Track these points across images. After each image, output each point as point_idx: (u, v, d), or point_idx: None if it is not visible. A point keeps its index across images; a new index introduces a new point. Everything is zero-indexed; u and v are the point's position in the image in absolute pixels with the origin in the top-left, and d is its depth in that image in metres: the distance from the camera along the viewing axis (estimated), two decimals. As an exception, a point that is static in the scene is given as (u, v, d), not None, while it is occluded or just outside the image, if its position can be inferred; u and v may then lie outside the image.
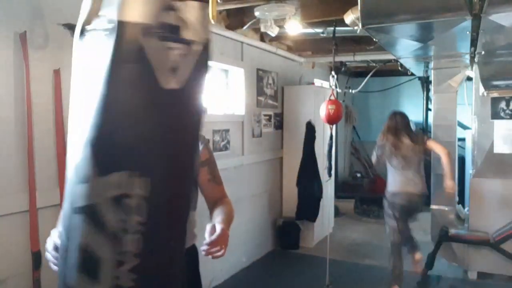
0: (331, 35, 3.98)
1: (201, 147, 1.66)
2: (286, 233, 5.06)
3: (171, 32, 0.88)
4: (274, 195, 5.17)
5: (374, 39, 2.94)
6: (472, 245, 4.10)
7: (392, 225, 3.73)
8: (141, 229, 0.90)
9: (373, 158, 3.96)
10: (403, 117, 3.84)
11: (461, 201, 5.25)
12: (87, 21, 0.91)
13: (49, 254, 1.26)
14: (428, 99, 6.97)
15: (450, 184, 3.60)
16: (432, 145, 3.73)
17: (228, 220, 1.56)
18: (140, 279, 0.93)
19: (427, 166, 3.96)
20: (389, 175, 3.81)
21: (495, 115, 4.10)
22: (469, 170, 4.79)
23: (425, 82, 6.89)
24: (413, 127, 4.02)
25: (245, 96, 4.44)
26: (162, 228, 0.94)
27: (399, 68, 5.32)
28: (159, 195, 0.91)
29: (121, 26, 0.86)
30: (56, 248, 1.20)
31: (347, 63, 6.31)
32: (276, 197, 5.24)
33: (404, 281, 4.14)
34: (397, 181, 3.70)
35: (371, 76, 5.47)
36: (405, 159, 3.67)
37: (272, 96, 5.03)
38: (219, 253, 1.38)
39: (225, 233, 1.41)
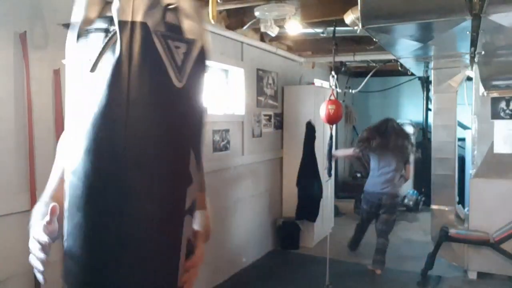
0: (331, 35, 3.98)
1: None
2: (286, 233, 5.06)
3: (173, 31, 0.91)
4: (274, 195, 5.17)
5: (374, 39, 2.94)
6: (472, 245, 4.10)
7: (362, 216, 4.63)
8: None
9: (353, 150, 4.61)
10: (396, 125, 4.39)
11: (461, 201, 5.25)
12: (86, 22, 0.92)
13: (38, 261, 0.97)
14: (428, 99, 6.98)
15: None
16: (407, 168, 4.40)
17: (204, 236, 1.22)
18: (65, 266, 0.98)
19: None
20: (370, 174, 4.44)
21: (495, 115, 4.10)
22: (469, 170, 4.79)
23: (425, 82, 6.91)
24: (411, 134, 4.78)
25: (245, 96, 4.44)
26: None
27: (399, 68, 5.32)
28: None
29: (131, 26, 0.88)
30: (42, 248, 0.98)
31: (347, 63, 6.32)
32: (276, 197, 5.24)
33: (404, 281, 4.16)
34: (375, 182, 4.34)
35: (371, 76, 5.47)
36: (387, 164, 4.28)
37: (272, 96, 5.03)
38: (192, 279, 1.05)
39: (202, 252, 1.10)
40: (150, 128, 0.92)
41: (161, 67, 0.90)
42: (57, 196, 1.27)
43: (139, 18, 0.88)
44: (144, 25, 0.88)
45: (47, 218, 1.01)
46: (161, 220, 0.95)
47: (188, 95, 0.95)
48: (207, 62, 1.00)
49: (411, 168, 4.39)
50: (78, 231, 0.94)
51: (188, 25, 0.92)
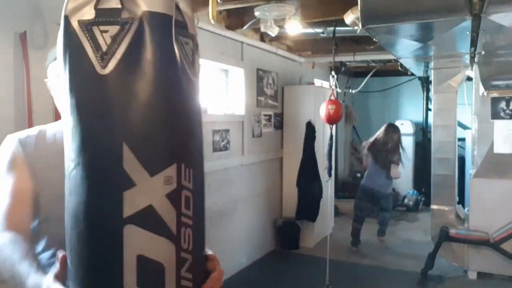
0: (331, 35, 3.98)
1: None
2: (286, 233, 5.06)
3: (104, 15, 0.85)
4: (274, 195, 5.17)
5: (374, 39, 2.94)
6: (472, 245, 4.10)
7: (357, 209, 5.10)
8: None
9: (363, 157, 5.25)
10: (395, 134, 4.87)
11: (461, 201, 5.25)
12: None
13: None
14: (428, 99, 6.98)
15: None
16: (392, 168, 4.84)
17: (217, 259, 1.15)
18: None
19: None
20: (367, 171, 5.05)
21: (495, 115, 4.10)
22: (469, 170, 4.79)
23: (425, 82, 6.91)
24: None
25: (245, 96, 4.44)
26: None
27: (399, 68, 5.32)
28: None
29: (65, 19, 0.87)
30: None
31: (347, 63, 6.31)
32: (276, 197, 5.24)
33: (404, 281, 4.16)
34: (370, 179, 4.95)
35: (371, 76, 5.47)
36: (380, 167, 4.85)
37: (272, 96, 5.03)
38: None
39: (217, 276, 1.03)
40: (79, 120, 0.86)
41: (83, 55, 0.85)
42: (15, 221, 1.11)
43: (65, 11, 0.86)
44: (65, 18, 0.86)
45: (56, 269, 0.90)
46: (88, 231, 0.85)
47: (116, 82, 0.84)
48: (158, 40, 0.87)
49: (394, 169, 4.86)
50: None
51: (128, 5, 0.85)
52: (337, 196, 6.52)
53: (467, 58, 3.70)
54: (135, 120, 0.85)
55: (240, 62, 4.37)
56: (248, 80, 4.50)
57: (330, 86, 4.19)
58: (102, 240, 0.85)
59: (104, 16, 0.85)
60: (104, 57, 0.84)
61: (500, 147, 4.08)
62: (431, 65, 4.43)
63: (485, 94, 4.04)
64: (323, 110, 3.85)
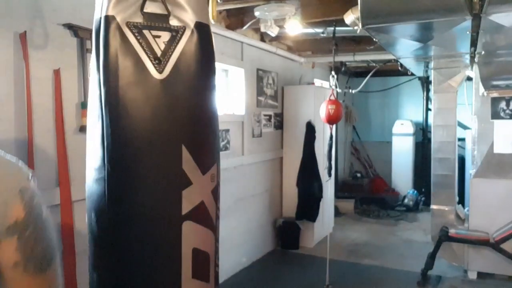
0: (331, 35, 3.98)
1: (10, 196, 0.74)
2: (286, 233, 5.06)
3: (154, 20, 0.88)
4: (274, 195, 5.17)
5: (374, 39, 2.94)
6: (472, 245, 4.10)
7: None
8: None
9: None
10: None
11: (461, 201, 5.26)
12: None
13: None
14: (428, 99, 6.99)
15: None
16: None
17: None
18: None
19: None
20: None
21: (495, 115, 4.10)
22: (469, 170, 4.79)
23: (425, 82, 6.91)
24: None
25: (245, 96, 4.44)
26: None
27: (399, 68, 5.31)
28: None
29: (105, 21, 0.87)
30: None
31: (347, 63, 6.31)
32: (276, 197, 5.24)
33: (404, 281, 4.16)
34: None
35: (371, 76, 5.46)
36: None
37: (272, 96, 5.03)
38: None
39: None
40: (132, 123, 0.87)
41: (136, 58, 0.86)
42: None
43: (108, 12, 0.86)
44: (109, 18, 0.86)
45: None
46: (149, 225, 0.89)
47: (173, 86, 0.88)
48: (205, 49, 0.93)
49: None
50: None
51: (175, 13, 0.88)
52: (337, 196, 6.51)
53: (467, 58, 3.70)
54: (191, 124, 0.92)
55: (240, 62, 4.37)
56: (248, 80, 4.50)
57: (330, 86, 4.18)
58: (161, 237, 0.90)
59: (153, 21, 0.88)
60: (160, 62, 0.87)
61: (500, 147, 4.08)
62: (431, 65, 4.43)
63: (485, 94, 4.04)
64: (323, 110, 3.85)
